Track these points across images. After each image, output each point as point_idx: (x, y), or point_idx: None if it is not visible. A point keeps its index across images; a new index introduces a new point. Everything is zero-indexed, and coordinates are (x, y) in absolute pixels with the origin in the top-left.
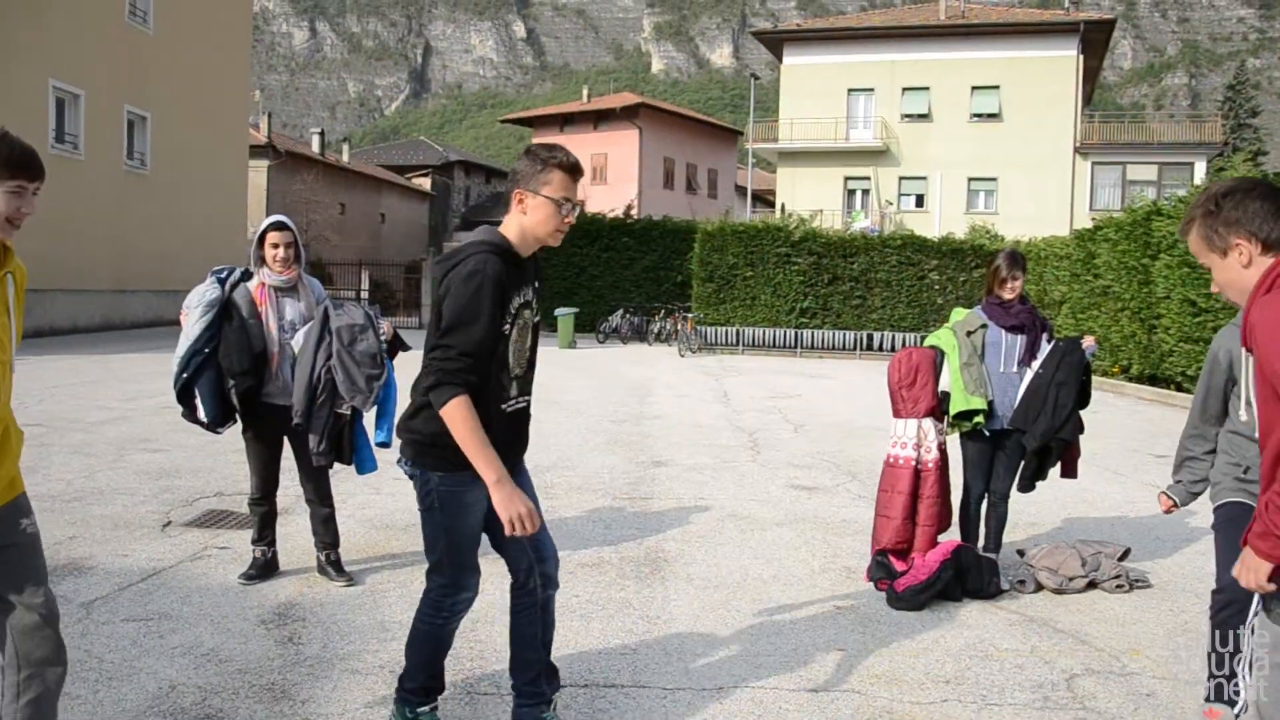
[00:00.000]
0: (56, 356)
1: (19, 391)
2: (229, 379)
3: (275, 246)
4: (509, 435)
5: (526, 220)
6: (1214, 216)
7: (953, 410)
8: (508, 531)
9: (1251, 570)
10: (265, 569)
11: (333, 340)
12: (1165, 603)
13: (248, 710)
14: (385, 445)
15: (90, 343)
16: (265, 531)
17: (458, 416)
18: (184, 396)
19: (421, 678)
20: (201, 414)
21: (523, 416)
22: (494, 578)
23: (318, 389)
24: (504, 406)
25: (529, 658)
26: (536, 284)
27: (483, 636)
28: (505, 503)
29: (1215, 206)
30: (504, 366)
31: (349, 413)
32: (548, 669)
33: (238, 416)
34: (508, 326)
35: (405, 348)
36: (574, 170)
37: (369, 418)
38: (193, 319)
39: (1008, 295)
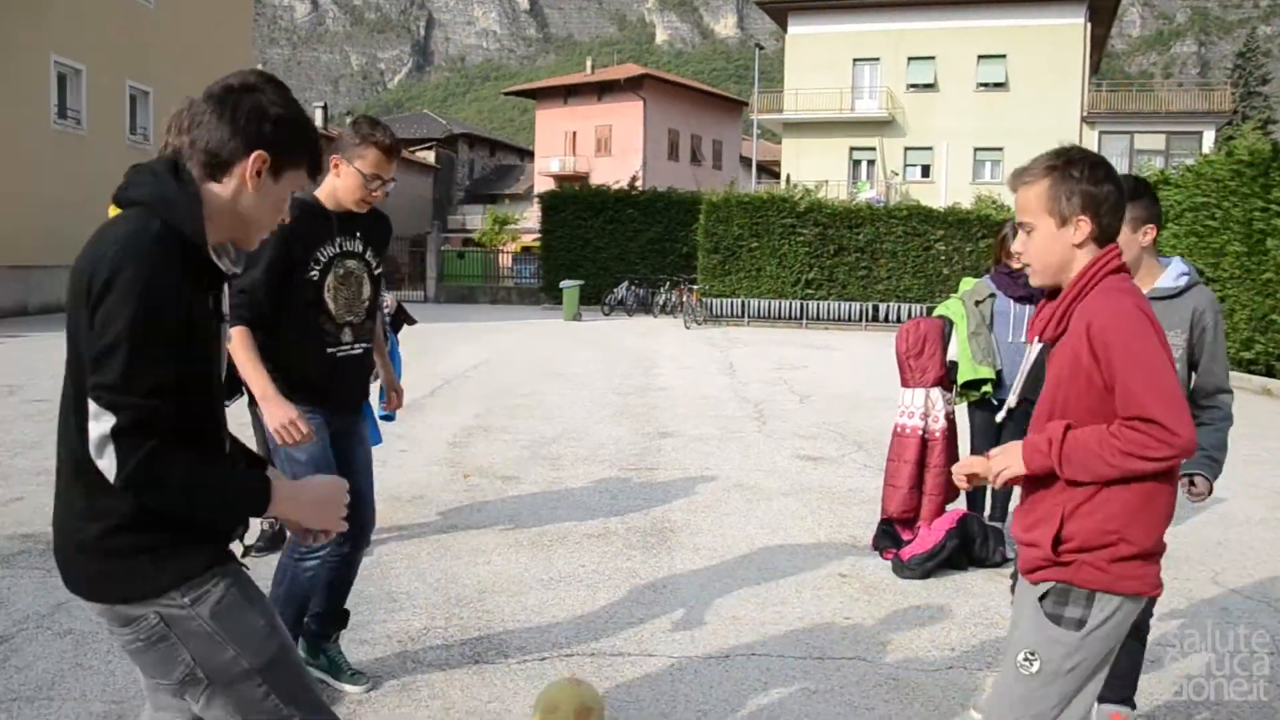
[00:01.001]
0: (63, 333)
1: (27, 367)
2: None
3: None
4: (336, 379)
5: (338, 184)
6: (1073, 180)
7: (960, 379)
8: (276, 442)
9: (1006, 464)
10: (273, 541)
11: None
12: (1169, 571)
13: None
14: (389, 419)
15: None
16: None
17: (236, 344)
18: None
19: (312, 621)
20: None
21: (355, 363)
22: (501, 549)
23: None
24: (331, 351)
25: (332, 604)
26: (372, 238)
27: (490, 606)
28: (271, 414)
29: (1078, 172)
30: (324, 312)
31: None
32: (338, 613)
33: (243, 389)
34: (315, 274)
35: (410, 321)
36: (389, 151)
37: (374, 391)
38: None
39: (1015, 264)
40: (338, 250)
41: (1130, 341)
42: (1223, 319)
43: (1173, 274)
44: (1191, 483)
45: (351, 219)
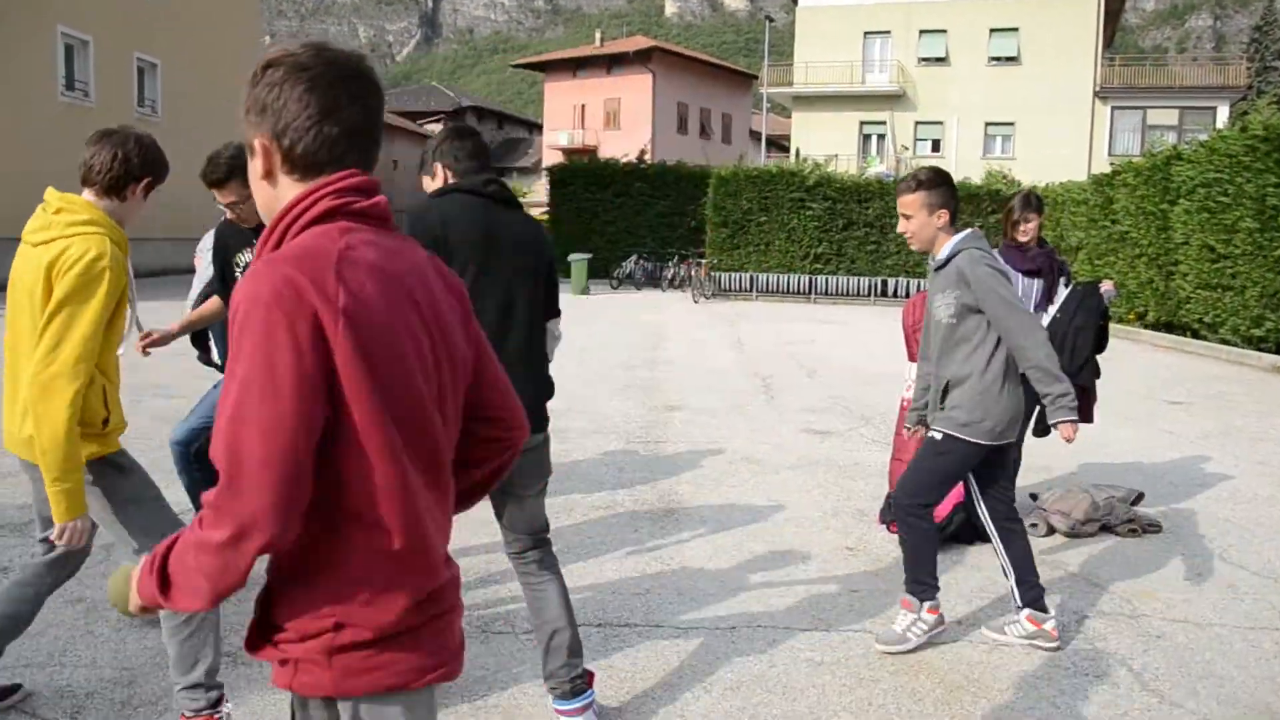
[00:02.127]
0: None
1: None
2: None
3: None
4: None
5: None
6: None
7: None
8: None
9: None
10: None
11: None
12: (1177, 546)
13: None
14: None
15: None
16: None
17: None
18: (198, 339)
19: None
20: (215, 355)
21: None
22: None
23: None
24: None
25: None
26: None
27: (497, 578)
28: None
29: (935, 183)
30: None
31: None
32: None
33: None
34: (239, 276)
35: None
36: (208, 185)
37: None
38: (205, 261)
39: (1022, 237)
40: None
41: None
42: (995, 275)
43: (948, 249)
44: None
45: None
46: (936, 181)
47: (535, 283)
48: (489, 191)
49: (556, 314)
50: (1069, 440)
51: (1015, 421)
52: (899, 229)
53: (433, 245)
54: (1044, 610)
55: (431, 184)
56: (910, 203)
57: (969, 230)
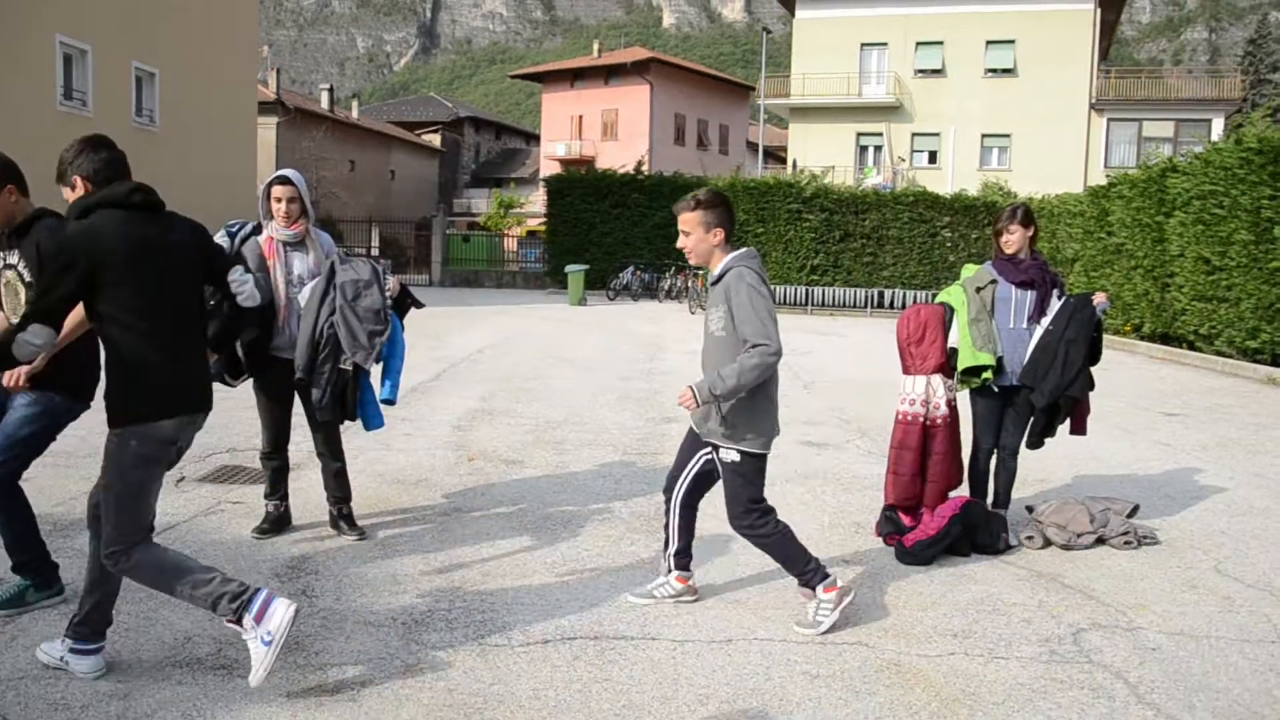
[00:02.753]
0: None
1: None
2: None
3: (279, 201)
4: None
5: None
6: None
7: (960, 366)
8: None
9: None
10: (278, 523)
11: (336, 295)
12: (1173, 559)
13: None
14: (390, 402)
15: None
16: (278, 486)
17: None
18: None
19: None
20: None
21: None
22: (505, 532)
23: (320, 344)
24: None
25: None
26: (20, 252)
27: (493, 589)
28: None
29: (712, 204)
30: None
31: (351, 368)
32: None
33: (246, 368)
34: None
35: (418, 304)
36: None
37: (376, 375)
38: None
39: (1006, 249)
40: (5, 262)
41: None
42: (754, 290)
43: (721, 266)
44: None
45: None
46: (713, 202)
47: (195, 283)
48: (135, 202)
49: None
50: (680, 403)
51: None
52: (678, 244)
53: (85, 263)
54: (688, 570)
55: (72, 195)
56: (688, 220)
57: (744, 249)
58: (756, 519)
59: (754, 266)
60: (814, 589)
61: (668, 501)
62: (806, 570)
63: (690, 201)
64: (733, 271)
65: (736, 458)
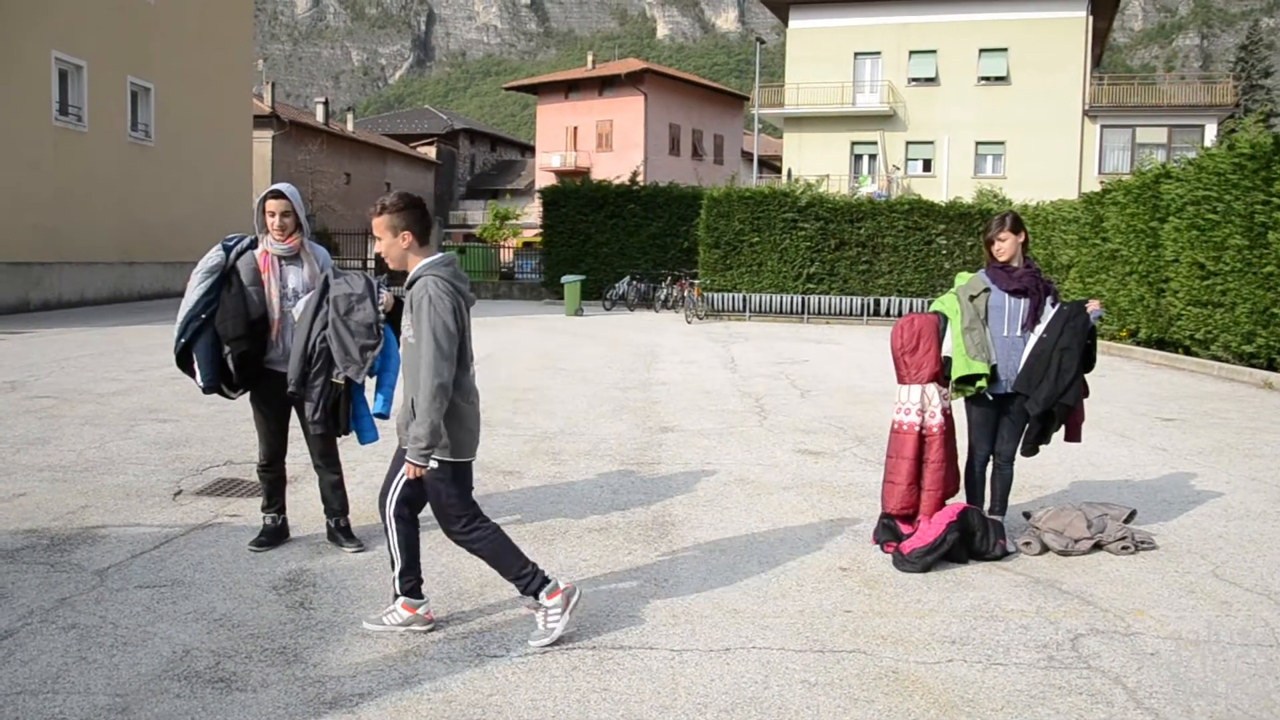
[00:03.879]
0: (65, 329)
1: (29, 363)
2: (225, 344)
3: (273, 215)
4: None
5: None
6: (398, 214)
7: (954, 375)
8: None
9: None
10: (276, 535)
11: (329, 309)
12: (1170, 564)
13: (260, 674)
14: (383, 416)
15: (99, 315)
16: (275, 498)
17: None
18: (183, 361)
19: None
20: (198, 378)
21: None
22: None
23: (312, 358)
24: None
25: None
26: None
27: (492, 600)
28: None
29: (397, 207)
30: None
31: (343, 382)
32: None
33: (248, 383)
34: None
35: None
36: None
37: (371, 388)
38: (193, 284)
39: (999, 256)
40: None
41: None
42: (434, 306)
43: (414, 272)
44: None
45: None
46: (400, 206)
47: None
48: None
49: None
50: (409, 476)
51: (475, 439)
52: (375, 248)
53: None
54: (419, 597)
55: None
56: (376, 225)
57: (439, 256)
58: (465, 525)
59: (444, 275)
60: (537, 596)
61: (382, 516)
62: (523, 576)
63: (377, 206)
64: (420, 281)
65: (435, 465)
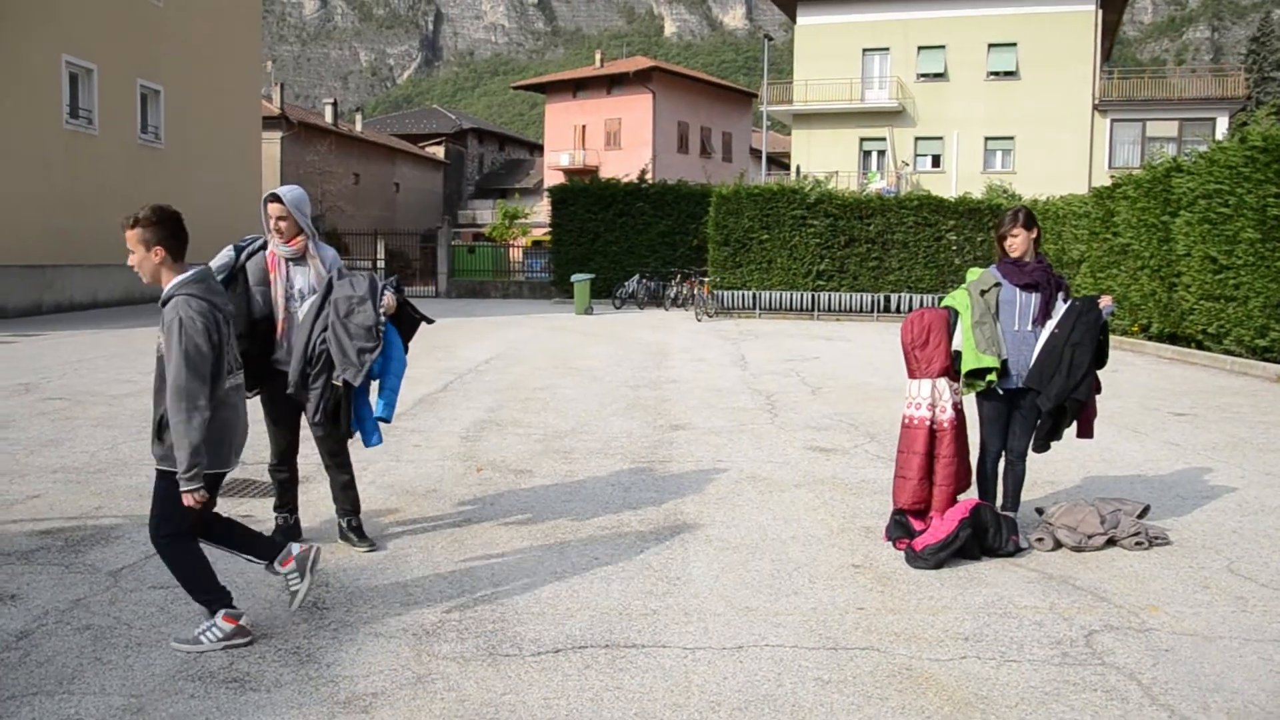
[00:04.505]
0: (77, 331)
1: (42, 366)
2: None
3: (272, 218)
4: None
5: None
6: (150, 228)
7: (963, 369)
8: None
9: None
10: (287, 535)
11: (330, 311)
12: (1184, 559)
13: (274, 674)
14: (385, 420)
15: (110, 317)
16: (286, 498)
17: None
18: None
19: None
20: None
21: None
22: (514, 542)
23: (312, 359)
24: None
25: None
26: None
27: (504, 599)
28: None
29: (149, 222)
30: None
31: (342, 384)
32: None
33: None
34: None
35: (428, 320)
36: None
37: (372, 392)
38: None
39: (1012, 252)
40: None
41: None
42: (183, 329)
43: (168, 289)
44: None
45: None
46: (151, 220)
47: None
48: None
49: None
50: (190, 504)
51: (236, 450)
52: (128, 261)
53: None
54: (235, 608)
55: None
56: (128, 239)
57: (192, 272)
58: (161, 535)
59: (197, 292)
60: (210, 614)
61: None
62: (206, 598)
63: (130, 219)
64: (172, 301)
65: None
